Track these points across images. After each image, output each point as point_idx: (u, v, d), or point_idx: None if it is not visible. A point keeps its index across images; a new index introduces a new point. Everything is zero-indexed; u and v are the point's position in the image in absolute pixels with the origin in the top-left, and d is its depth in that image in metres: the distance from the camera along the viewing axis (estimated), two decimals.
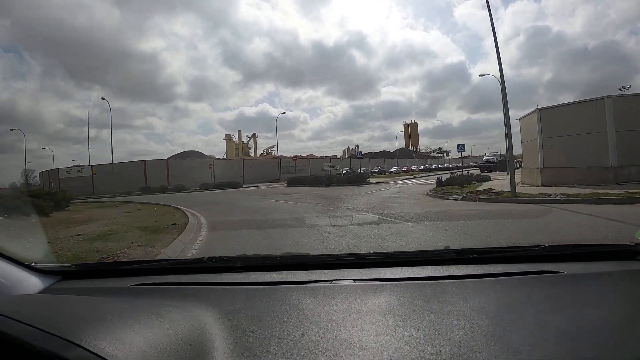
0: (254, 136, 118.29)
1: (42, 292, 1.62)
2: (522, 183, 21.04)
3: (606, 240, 3.15)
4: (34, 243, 6.58)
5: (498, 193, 15.24)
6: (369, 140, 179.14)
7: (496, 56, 15.69)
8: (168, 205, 17.66)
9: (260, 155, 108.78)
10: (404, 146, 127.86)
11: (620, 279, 1.53)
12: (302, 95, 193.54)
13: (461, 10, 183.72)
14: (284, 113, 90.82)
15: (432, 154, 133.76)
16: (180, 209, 15.46)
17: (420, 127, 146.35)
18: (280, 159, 60.63)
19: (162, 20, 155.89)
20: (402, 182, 33.96)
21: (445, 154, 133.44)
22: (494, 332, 1.13)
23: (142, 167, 45.82)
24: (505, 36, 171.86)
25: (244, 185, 42.00)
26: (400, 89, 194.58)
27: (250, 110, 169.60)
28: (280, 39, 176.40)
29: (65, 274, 1.82)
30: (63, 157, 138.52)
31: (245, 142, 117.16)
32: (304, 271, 1.77)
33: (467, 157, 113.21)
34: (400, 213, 11.21)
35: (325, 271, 1.74)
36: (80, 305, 1.30)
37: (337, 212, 12.81)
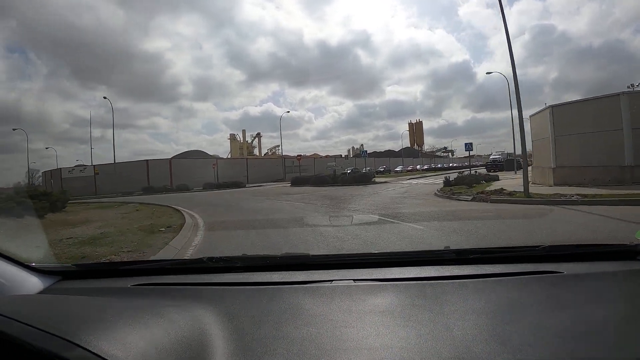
0: (259, 135, 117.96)
1: (42, 292, 1.62)
2: (533, 183, 20.29)
3: None
4: (21, 247, 6.08)
5: (510, 193, 14.58)
6: (373, 139, 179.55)
7: (509, 54, 15.06)
8: (167, 206, 17.21)
9: (264, 154, 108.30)
10: (409, 145, 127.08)
11: (620, 279, 1.52)
12: (307, 95, 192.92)
13: (466, 9, 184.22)
14: (288, 112, 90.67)
15: (437, 154, 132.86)
16: (178, 210, 15.03)
17: (425, 126, 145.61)
18: (285, 158, 60.13)
19: (167, 20, 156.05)
20: (408, 181, 33.36)
21: (450, 153, 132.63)
22: (494, 332, 1.12)
23: (145, 167, 45.42)
24: (510, 35, 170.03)
25: (247, 185, 41.64)
26: (404, 88, 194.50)
27: (255, 110, 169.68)
28: (285, 38, 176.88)
29: (66, 274, 1.81)
30: (69, 157, 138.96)
31: (249, 141, 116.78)
32: (304, 271, 1.76)
33: (472, 156, 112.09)
34: (409, 215, 10.59)
35: (325, 271, 1.73)
36: (81, 305, 1.30)
37: (341, 213, 12.20)
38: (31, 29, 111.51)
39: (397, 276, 1.63)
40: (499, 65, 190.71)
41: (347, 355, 1.06)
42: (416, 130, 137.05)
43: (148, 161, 46.95)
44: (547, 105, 19.53)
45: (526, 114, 44.59)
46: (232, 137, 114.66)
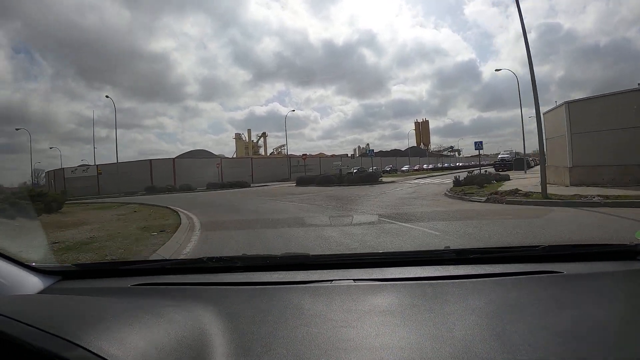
0: (264, 135, 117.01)
1: (42, 292, 1.61)
2: (547, 183, 19.44)
3: None
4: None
5: (527, 194, 13.79)
6: (379, 139, 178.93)
7: (525, 50, 14.25)
8: (166, 207, 16.62)
9: (270, 154, 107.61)
10: (415, 145, 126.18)
11: (620, 279, 1.52)
12: (313, 94, 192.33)
13: (471, 8, 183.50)
14: (293, 111, 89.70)
15: (443, 153, 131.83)
16: (177, 212, 14.43)
17: (431, 125, 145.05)
18: (290, 158, 59.41)
19: (172, 20, 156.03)
20: (415, 181, 32.58)
21: (457, 153, 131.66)
22: (494, 332, 1.11)
23: (148, 167, 44.93)
24: (516, 33, 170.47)
25: (252, 185, 41.18)
26: (410, 88, 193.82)
27: (260, 110, 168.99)
28: (290, 38, 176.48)
29: (66, 274, 1.80)
30: (74, 157, 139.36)
31: (255, 141, 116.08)
32: (304, 271, 1.76)
33: (478, 155, 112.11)
34: (421, 218, 9.87)
35: (325, 271, 1.73)
36: (81, 305, 1.30)
37: (348, 215, 11.44)
38: (37, 30, 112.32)
39: (397, 276, 1.62)
40: (505, 63, 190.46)
41: (347, 355, 1.05)
42: (422, 129, 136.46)
43: (151, 161, 46.53)
44: (557, 102, 18.80)
45: (532, 112, 43.88)
46: (238, 137, 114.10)
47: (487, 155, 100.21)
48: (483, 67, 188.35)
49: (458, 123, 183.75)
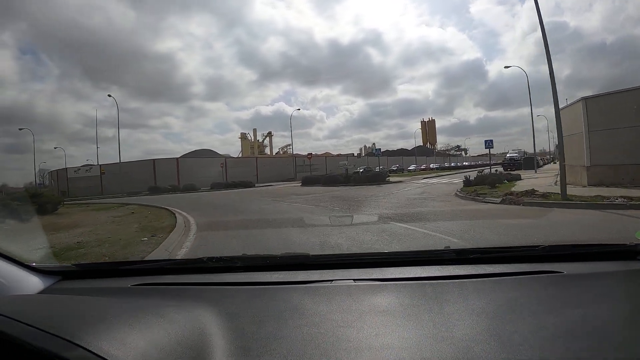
0: (270, 134, 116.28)
1: (42, 292, 1.61)
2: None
3: None
4: None
5: (544, 195, 12.99)
6: (385, 138, 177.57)
7: (544, 48, 13.48)
8: (165, 208, 15.95)
9: (276, 153, 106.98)
10: (422, 144, 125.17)
11: (620, 279, 1.52)
12: (318, 94, 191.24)
13: (477, 7, 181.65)
14: (299, 109, 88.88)
15: (449, 152, 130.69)
16: (175, 213, 13.81)
17: (437, 125, 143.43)
18: (295, 157, 58.74)
19: (178, 20, 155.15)
20: (423, 181, 31.77)
21: (463, 152, 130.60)
22: (494, 332, 1.11)
23: (152, 166, 44.35)
24: (522, 32, 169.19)
25: (256, 185, 40.50)
26: (416, 87, 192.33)
27: (266, 109, 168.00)
28: (296, 37, 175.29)
29: (66, 274, 1.80)
30: (81, 157, 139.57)
31: (260, 140, 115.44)
32: (304, 271, 1.76)
33: (485, 154, 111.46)
34: (435, 221, 9.14)
35: (325, 271, 1.73)
36: (81, 305, 1.30)
37: (357, 219, 10.69)
38: (42, 31, 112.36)
39: (397, 276, 1.62)
40: (511, 62, 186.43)
41: (347, 354, 1.05)
42: (429, 128, 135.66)
43: (155, 160, 45.90)
44: (567, 100, 17.92)
45: (538, 112, 42.96)
46: (243, 136, 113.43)
47: (493, 155, 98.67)
48: (489, 66, 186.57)
49: (464, 122, 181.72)
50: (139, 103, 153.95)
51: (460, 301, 1.34)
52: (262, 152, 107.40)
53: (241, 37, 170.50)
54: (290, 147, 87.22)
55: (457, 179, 27.91)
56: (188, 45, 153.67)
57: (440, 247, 2.44)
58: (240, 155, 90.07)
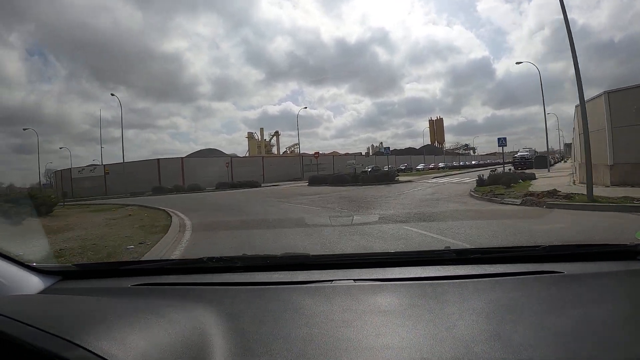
0: (277, 134, 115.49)
1: (42, 292, 1.61)
2: (581, 182, 17.77)
3: None
4: None
5: (567, 196, 12.07)
6: (393, 137, 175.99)
7: (569, 41, 12.60)
8: (164, 210, 15.25)
9: (283, 153, 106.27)
10: (430, 143, 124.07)
11: (620, 279, 1.52)
12: (326, 93, 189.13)
13: (484, 5, 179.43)
14: (305, 108, 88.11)
15: (456, 151, 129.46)
16: (172, 216, 13.11)
17: (445, 123, 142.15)
18: (302, 156, 58.03)
19: (184, 20, 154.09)
20: (433, 180, 30.83)
21: (472, 151, 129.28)
22: (495, 332, 1.11)
23: (156, 166, 43.74)
24: (529, 30, 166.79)
25: (263, 185, 39.87)
26: (423, 86, 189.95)
27: (273, 109, 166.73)
28: (302, 37, 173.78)
29: (66, 274, 1.80)
30: (89, 157, 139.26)
31: (267, 140, 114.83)
32: (304, 271, 1.75)
33: (494, 153, 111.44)
34: (453, 226, 8.29)
35: (325, 271, 1.72)
36: (81, 305, 1.30)
37: (367, 223, 9.83)
38: (50, 32, 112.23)
39: (397, 276, 1.62)
40: (519, 60, 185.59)
41: (347, 354, 1.05)
42: (437, 127, 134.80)
43: (159, 160, 45.36)
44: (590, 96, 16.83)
45: (547, 110, 41.91)
46: (250, 136, 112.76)
47: (501, 154, 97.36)
48: (497, 64, 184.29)
49: (472, 121, 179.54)
50: (147, 103, 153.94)
51: (460, 301, 1.33)
52: (269, 151, 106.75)
53: (248, 36, 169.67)
54: (298, 146, 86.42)
55: (468, 178, 27.15)
56: (195, 45, 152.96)
57: None
58: (247, 155, 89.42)
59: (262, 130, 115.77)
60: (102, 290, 1.69)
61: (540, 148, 60.98)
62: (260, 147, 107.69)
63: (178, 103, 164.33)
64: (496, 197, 13.83)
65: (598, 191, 12.63)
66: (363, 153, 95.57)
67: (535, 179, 21.96)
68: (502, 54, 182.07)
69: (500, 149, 26.70)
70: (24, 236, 9.49)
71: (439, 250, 1.97)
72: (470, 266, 1.68)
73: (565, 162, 60.67)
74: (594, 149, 16.86)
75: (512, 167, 37.44)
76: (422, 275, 1.60)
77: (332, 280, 1.59)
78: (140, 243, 7.93)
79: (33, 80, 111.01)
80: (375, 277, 1.60)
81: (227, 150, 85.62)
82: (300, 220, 10.66)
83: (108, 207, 20.14)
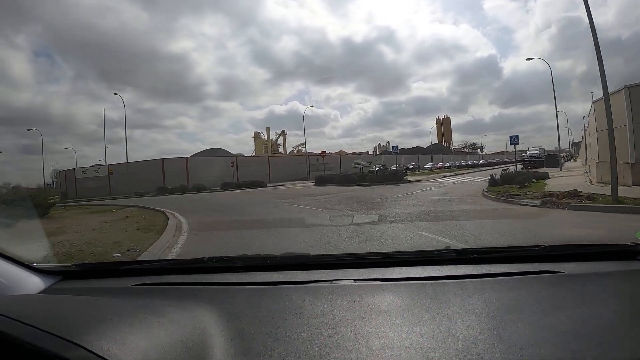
0: (283, 133, 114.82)
1: (42, 292, 1.61)
2: (599, 182, 16.99)
3: None
4: None
5: (590, 197, 11.28)
6: (399, 136, 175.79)
7: (592, 37, 11.87)
8: (163, 212, 14.65)
9: (290, 152, 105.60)
10: (437, 142, 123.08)
11: (620, 279, 1.51)
12: (332, 93, 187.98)
13: (491, 3, 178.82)
14: (312, 106, 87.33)
15: (463, 150, 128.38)
16: (169, 218, 12.56)
17: (452, 122, 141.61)
18: (309, 156, 57.35)
19: (191, 21, 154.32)
20: (443, 179, 30.07)
21: (479, 150, 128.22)
22: (495, 332, 1.11)
23: (160, 166, 43.20)
24: (536, 28, 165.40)
25: (268, 185, 39.30)
26: (430, 85, 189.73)
27: (280, 109, 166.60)
28: (309, 36, 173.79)
29: (66, 274, 1.80)
30: (96, 158, 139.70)
31: (274, 139, 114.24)
32: (304, 271, 1.75)
33: (501, 152, 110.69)
34: (473, 231, 7.57)
35: (325, 271, 1.72)
36: (81, 305, 1.30)
37: (379, 227, 9.13)
38: (57, 33, 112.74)
39: (397, 276, 1.61)
40: (525, 59, 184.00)
41: (347, 354, 1.05)
42: (444, 126, 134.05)
43: (163, 160, 44.75)
44: (585, 96, 16.00)
45: (554, 109, 40.97)
46: (257, 135, 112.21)
47: (510, 153, 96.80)
48: (503, 62, 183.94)
49: (479, 120, 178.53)
50: (154, 103, 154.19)
51: (460, 301, 1.32)
52: (275, 151, 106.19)
53: (254, 36, 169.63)
54: (304, 145, 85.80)
55: (478, 178, 26.46)
56: (201, 45, 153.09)
57: None
58: (254, 154, 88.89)
59: (268, 129, 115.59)
60: (103, 290, 1.68)
61: (548, 147, 60.13)
62: (266, 146, 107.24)
63: (185, 103, 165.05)
64: (513, 198, 13.09)
65: (620, 191, 11.84)
66: (370, 152, 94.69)
67: (549, 178, 21.18)
68: (509, 53, 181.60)
69: (507, 148, 26.46)
70: (12, 240, 8.94)
71: (439, 250, 1.95)
72: (470, 266, 1.67)
73: (574, 161, 59.57)
74: (607, 148, 16.04)
75: (522, 166, 36.68)
76: (422, 275, 1.60)
77: (332, 280, 1.59)
78: (128, 250, 7.35)
79: (40, 81, 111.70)
80: (376, 277, 1.60)
81: (234, 150, 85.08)
82: (304, 222, 10.01)
83: (108, 209, 19.64)
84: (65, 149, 76.81)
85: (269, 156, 65.98)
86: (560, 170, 31.89)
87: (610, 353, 1.01)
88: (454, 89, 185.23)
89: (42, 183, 49.02)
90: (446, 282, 1.52)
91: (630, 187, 14.18)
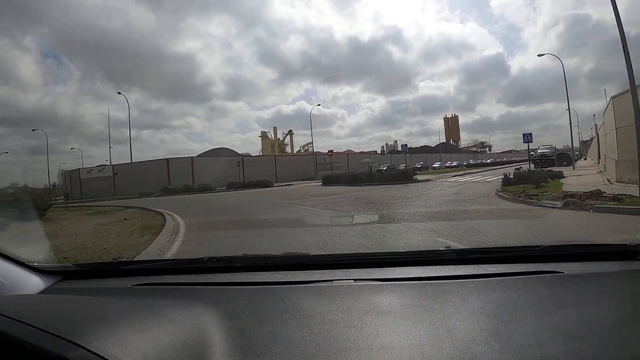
0: (290, 133, 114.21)
1: (42, 292, 1.61)
2: (619, 181, 16.22)
3: None
4: None
5: (616, 198, 10.52)
6: (407, 135, 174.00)
7: (617, 28, 11.16)
8: (162, 214, 14.10)
9: (297, 152, 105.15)
10: (445, 141, 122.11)
11: (620, 279, 1.51)
12: (339, 92, 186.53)
13: (497, 1, 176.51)
14: (319, 105, 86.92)
15: (472, 149, 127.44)
16: (168, 220, 12.03)
17: (460, 121, 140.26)
18: (316, 155, 56.79)
19: (197, 21, 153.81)
20: (453, 179, 29.34)
21: (488, 149, 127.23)
22: (495, 332, 1.10)
23: (165, 166, 42.87)
24: (544, 25, 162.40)
25: (275, 184, 38.80)
26: (437, 83, 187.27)
27: (287, 108, 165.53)
28: (315, 36, 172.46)
29: (66, 274, 1.80)
30: (103, 158, 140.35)
31: (281, 139, 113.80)
32: (304, 271, 1.75)
33: (510, 151, 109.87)
34: (497, 238, 6.90)
35: (325, 271, 1.71)
36: (81, 305, 1.30)
37: (390, 232, 8.49)
38: (64, 34, 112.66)
39: (397, 276, 1.61)
40: (533, 57, 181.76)
41: (347, 354, 1.05)
42: (452, 125, 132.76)
43: (168, 160, 44.45)
44: (607, 96, 15.16)
45: (563, 107, 40.12)
46: (263, 135, 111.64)
47: (517, 151, 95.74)
48: (511, 61, 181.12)
49: (487, 119, 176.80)
50: (161, 104, 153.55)
51: (460, 301, 1.32)
52: (282, 150, 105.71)
53: (261, 36, 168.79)
54: (311, 145, 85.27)
55: (490, 177, 25.81)
56: (208, 45, 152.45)
57: None
58: (260, 154, 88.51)
59: (275, 129, 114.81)
60: (103, 290, 1.68)
61: (558, 145, 59.10)
62: (273, 146, 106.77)
63: (192, 103, 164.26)
64: (530, 199, 12.38)
65: None
66: (378, 151, 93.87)
67: (564, 177, 20.40)
68: (516, 51, 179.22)
69: (515, 147, 25.88)
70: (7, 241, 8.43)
71: (439, 250, 1.96)
72: (470, 266, 1.66)
73: (584, 159, 58.45)
74: (629, 144, 15.28)
75: (533, 165, 35.91)
76: (422, 275, 1.59)
77: (332, 280, 1.58)
78: (114, 259, 6.72)
79: (48, 82, 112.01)
80: (376, 277, 1.59)
81: (241, 149, 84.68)
82: (313, 230, 9.39)
83: (109, 210, 19.23)
84: (72, 149, 76.93)
85: (275, 156, 65.53)
86: (574, 169, 31.08)
87: (611, 353, 0.99)
88: (461, 88, 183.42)
89: (52, 182, 49.02)
90: (446, 282, 1.52)
91: None
